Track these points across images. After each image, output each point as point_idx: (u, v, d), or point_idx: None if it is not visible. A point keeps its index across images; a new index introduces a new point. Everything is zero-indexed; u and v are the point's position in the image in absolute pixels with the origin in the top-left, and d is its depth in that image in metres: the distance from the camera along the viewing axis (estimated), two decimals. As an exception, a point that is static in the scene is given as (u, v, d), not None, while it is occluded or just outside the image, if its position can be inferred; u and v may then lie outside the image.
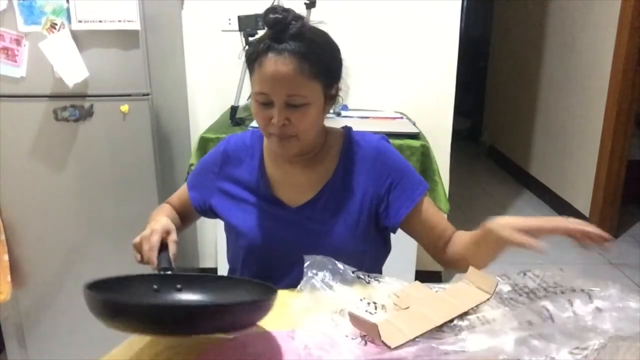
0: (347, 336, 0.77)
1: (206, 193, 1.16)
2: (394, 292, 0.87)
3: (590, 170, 3.19)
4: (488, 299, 0.81)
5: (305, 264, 0.89)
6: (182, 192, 1.21)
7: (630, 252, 3.03)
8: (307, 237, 1.07)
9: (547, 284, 0.83)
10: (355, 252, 1.07)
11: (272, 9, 0.97)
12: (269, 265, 1.10)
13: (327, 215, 1.07)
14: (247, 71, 1.04)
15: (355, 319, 0.77)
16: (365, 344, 0.75)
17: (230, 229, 1.14)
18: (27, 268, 1.94)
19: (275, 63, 0.95)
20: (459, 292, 0.84)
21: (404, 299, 0.85)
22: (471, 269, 0.87)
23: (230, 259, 1.19)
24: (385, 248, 1.18)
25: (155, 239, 0.95)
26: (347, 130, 1.14)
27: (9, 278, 1.88)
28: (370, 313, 0.83)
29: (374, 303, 0.85)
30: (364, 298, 0.86)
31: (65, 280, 1.97)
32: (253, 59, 0.99)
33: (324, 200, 1.08)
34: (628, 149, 3.07)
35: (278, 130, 0.99)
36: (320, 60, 0.98)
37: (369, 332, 0.75)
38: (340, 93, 1.09)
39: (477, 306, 0.80)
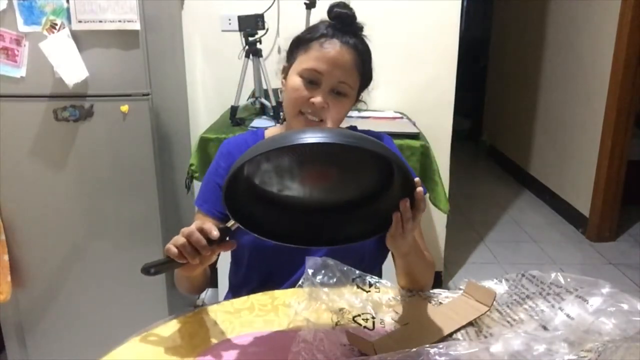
0: (342, 345, 0.77)
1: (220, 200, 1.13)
2: (394, 308, 0.87)
3: (590, 170, 3.19)
4: (486, 312, 0.81)
5: (307, 265, 0.89)
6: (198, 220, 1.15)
7: (630, 252, 3.03)
8: None
9: (544, 285, 0.83)
10: (359, 251, 1.07)
11: (337, 4, 1.04)
12: (274, 265, 1.09)
13: None
14: (292, 51, 1.06)
15: (352, 337, 0.77)
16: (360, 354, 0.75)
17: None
18: (27, 268, 1.94)
19: (341, 48, 1.00)
20: (457, 306, 0.84)
21: (403, 315, 0.85)
22: (469, 282, 0.87)
23: (234, 258, 1.18)
24: (383, 248, 1.18)
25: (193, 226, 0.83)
26: (352, 129, 1.16)
27: (9, 278, 1.88)
28: (369, 329, 0.82)
29: (372, 319, 0.85)
30: (363, 313, 0.85)
31: (65, 280, 1.97)
32: (313, 37, 1.02)
33: None
34: (628, 149, 3.07)
35: (314, 110, 1.00)
36: (369, 62, 1.07)
37: (366, 351, 0.75)
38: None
39: (475, 320, 0.80)
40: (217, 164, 1.15)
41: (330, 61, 0.99)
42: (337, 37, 1.01)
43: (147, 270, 0.84)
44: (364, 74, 1.05)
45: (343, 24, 1.03)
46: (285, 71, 1.08)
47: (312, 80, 1.00)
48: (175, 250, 0.79)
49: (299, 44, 1.05)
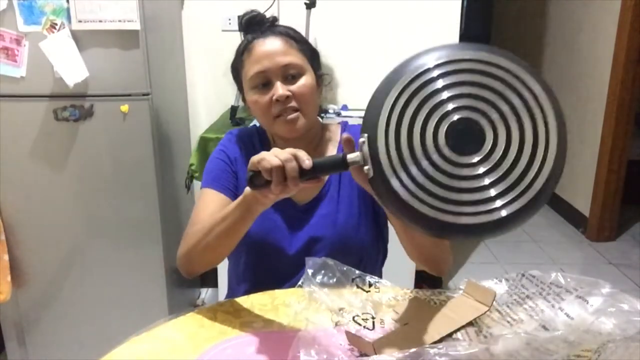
0: (342, 344, 0.77)
1: (232, 182, 1.09)
2: (393, 308, 0.87)
3: (590, 170, 3.19)
4: (486, 312, 0.81)
5: (307, 265, 0.89)
6: (209, 199, 1.06)
7: (630, 252, 3.03)
8: (314, 232, 1.07)
9: (544, 285, 0.83)
10: (359, 246, 1.08)
11: (244, 14, 1.08)
12: (274, 265, 1.09)
13: (332, 209, 1.08)
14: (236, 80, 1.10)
15: (352, 337, 0.77)
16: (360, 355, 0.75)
17: None
18: (27, 268, 1.94)
19: (264, 43, 1.03)
20: (457, 306, 0.84)
21: (403, 315, 0.85)
22: (469, 281, 0.87)
23: (233, 256, 1.17)
24: (383, 249, 1.18)
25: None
26: (343, 123, 1.18)
27: (9, 278, 1.88)
28: (368, 329, 0.82)
29: (372, 319, 0.85)
30: (362, 313, 0.85)
31: (65, 280, 1.97)
32: (241, 52, 1.06)
33: (330, 194, 1.09)
34: (628, 149, 3.07)
35: (282, 106, 1.00)
36: (302, 41, 1.08)
37: (365, 351, 0.75)
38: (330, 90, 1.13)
39: (475, 319, 0.80)
40: (224, 147, 1.13)
41: (263, 56, 1.02)
42: (257, 37, 1.05)
43: (250, 180, 0.79)
44: (302, 46, 1.06)
45: (255, 25, 1.07)
46: (243, 98, 1.10)
47: (263, 83, 1.02)
48: (268, 166, 0.75)
49: (236, 68, 1.09)
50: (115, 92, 1.79)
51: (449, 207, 0.63)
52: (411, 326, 0.81)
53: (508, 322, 0.80)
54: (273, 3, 2.22)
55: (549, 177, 0.65)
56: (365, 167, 0.68)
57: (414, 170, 0.64)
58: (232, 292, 1.17)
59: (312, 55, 1.08)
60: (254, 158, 0.78)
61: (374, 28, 2.32)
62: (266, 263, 1.10)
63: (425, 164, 0.64)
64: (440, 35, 2.31)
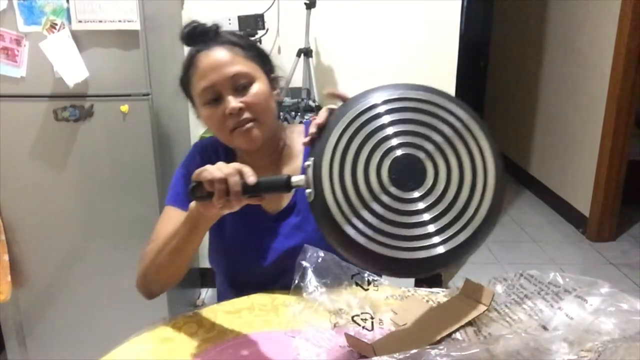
0: (341, 346, 0.77)
1: None
2: (392, 308, 0.87)
3: (590, 170, 3.19)
4: (485, 311, 0.81)
5: (306, 255, 0.88)
6: (170, 216, 1.04)
7: (630, 252, 3.03)
8: (287, 243, 1.04)
9: (543, 285, 0.83)
10: (335, 253, 1.06)
11: (185, 27, 1.03)
12: (250, 276, 1.07)
13: (303, 217, 1.05)
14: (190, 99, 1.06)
15: (351, 339, 0.77)
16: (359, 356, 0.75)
17: (214, 232, 1.08)
18: (27, 268, 1.94)
19: (209, 55, 0.99)
20: (456, 306, 0.84)
21: (401, 315, 0.84)
22: (467, 280, 0.87)
23: (215, 267, 1.17)
24: None
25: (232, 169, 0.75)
26: (306, 124, 1.13)
27: (9, 278, 1.88)
28: (367, 329, 0.82)
29: (371, 319, 0.85)
30: (362, 313, 0.85)
31: (65, 280, 1.97)
32: (188, 67, 1.02)
33: (299, 202, 1.06)
34: (628, 149, 3.07)
35: (237, 119, 0.96)
36: (249, 46, 1.03)
37: (365, 353, 0.75)
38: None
39: (474, 319, 0.80)
40: (187, 162, 1.12)
41: (210, 70, 0.97)
42: (201, 50, 1.00)
43: (191, 191, 0.79)
44: (250, 52, 1.02)
45: (198, 37, 1.02)
46: (198, 113, 1.06)
47: (214, 98, 0.98)
48: (209, 177, 0.75)
49: (185, 83, 1.05)
50: (115, 92, 1.79)
51: (386, 240, 0.65)
52: (410, 327, 0.81)
53: (507, 322, 0.80)
54: (273, 3, 2.22)
55: (488, 213, 0.67)
56: (307, 191, 0.70)
57: (357, 204, 0.66)
58: (219, 299, 1.16)
59: (262, 59, 1.04)
60: (198, 170, 0.77)
61: (374, 28, 2.32)
62: (242, 273, 1.08)
63: (367, 195, 0.66)
64: (440, 35, 2.32)
